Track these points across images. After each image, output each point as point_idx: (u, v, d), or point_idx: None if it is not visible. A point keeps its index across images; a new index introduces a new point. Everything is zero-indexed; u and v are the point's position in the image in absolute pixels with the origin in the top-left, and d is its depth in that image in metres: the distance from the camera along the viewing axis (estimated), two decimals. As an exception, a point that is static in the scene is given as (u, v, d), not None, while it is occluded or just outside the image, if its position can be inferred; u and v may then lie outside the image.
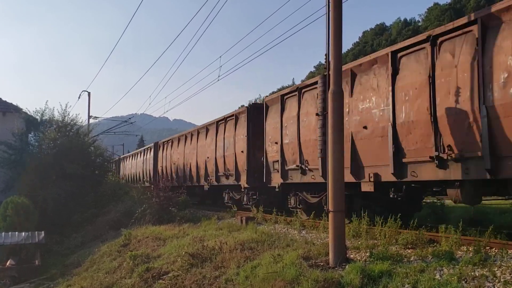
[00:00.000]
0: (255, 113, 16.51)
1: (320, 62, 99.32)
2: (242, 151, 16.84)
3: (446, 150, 8.46)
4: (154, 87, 33.10)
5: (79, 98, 38.25)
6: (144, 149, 34.29)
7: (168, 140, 28.01)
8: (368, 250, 7.93)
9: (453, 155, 8.33)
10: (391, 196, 10.10)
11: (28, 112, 26.55)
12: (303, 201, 13.47)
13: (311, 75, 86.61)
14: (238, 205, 17.52)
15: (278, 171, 14.23)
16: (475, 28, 8.04)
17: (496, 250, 7.11)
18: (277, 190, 14.51)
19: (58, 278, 14.82)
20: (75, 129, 27.27)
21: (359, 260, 7.45)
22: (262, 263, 8.43)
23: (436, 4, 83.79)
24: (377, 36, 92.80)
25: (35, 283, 15.38)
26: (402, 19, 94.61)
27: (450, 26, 8.67)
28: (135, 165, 36.05)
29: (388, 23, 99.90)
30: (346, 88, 10.67)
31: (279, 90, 69.00)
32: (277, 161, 14.27)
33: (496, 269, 6.06)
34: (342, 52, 8.18)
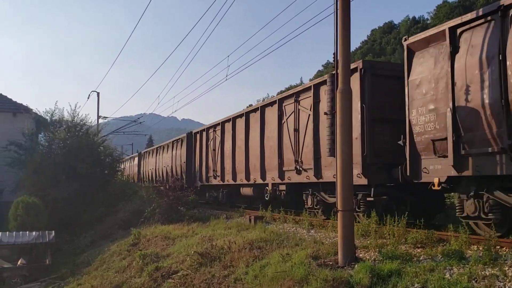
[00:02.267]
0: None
1: (328, 60, 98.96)
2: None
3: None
4: (162, 87, 33.43)
5: (88, 98, 38.52)
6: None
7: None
8: (377, 249, 7.91)
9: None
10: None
11: (38, 113, 26.78)
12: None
13: (319, 73, 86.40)
14: None
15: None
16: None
17: (506, 249, 7.06)
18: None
19: (68, 277, 14.93)
20: (84, 129, 27.40)
21: (368, 260, 7.44)
22: (271, 262, 8.43)
23: (445, 1, 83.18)
24: (386, 34, 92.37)
25: (46, 282, 15.51)
26: (410, 17, 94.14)
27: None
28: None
29: (396, 21, 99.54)
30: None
31: (287, 89, 68.86)
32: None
33: (506, 268, 6.01)
34: (351, 51, 8.16)
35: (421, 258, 7.14)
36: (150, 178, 32.62)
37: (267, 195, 15.44)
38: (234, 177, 18.21)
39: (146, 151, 36.94)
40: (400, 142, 9.47)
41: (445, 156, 8.44)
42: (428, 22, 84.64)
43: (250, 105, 25.51)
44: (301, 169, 13.30)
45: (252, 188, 17.05)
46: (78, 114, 27.27)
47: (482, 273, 5.96)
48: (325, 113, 11.23)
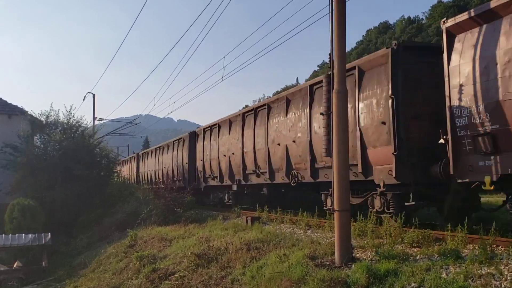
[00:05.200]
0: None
1: (324, 61, 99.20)
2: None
3: None
4: (158, 88, 33.31)
5: (83, 100, 38.35)
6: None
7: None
8: (374, 249, 7.93)
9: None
10: None
11: (33, 115, 26.65)
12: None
13: (315, 74, 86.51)
14: None
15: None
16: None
17: (502, 248, 7.08)
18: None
19: (65, 279, 14.91)
20: (80, 131, 27.35)
21: (365, 259, 7.45)
22: (268, 263, 8.44)
23: (440, 1, 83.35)
24: (381, 35, 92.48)
25: (42, 284, 15.48)
26: (406, 17, 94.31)
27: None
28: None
29: (392, 21, 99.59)
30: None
31: (283, 90, 68.79)
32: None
33: (502, 267, 6.04)
34: (346, 51, 8.18)
35: (417, 258, 7.16)
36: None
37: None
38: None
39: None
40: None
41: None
42: (424, 22, 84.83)
43: (246, 106, 25.63)
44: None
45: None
46: (73, 116, 27.23)
47: (478, 272, 5.98)
48: (321, 114, 11.26)
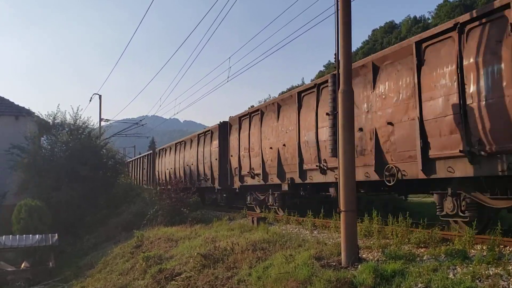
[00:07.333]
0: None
1: (329, 61, 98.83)
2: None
3: None
4: (164, 89, 33.37)
5: (90, 101, 38.48)
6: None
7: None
8: (380, 250, 7.90)
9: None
10: None
11: (40, 116, 26.78)
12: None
13: (321, 74, 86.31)
14: None
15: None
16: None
17: (510, 249, 7.04)
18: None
19: (72, 279, 14.97)
20: (86, 132, 27.45)
21: (372, 260, 7.42)
22: (274, 263, 8.42)
23: (446, 1, 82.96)
24: (387, 34, 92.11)
25: (49, 284, 15.55)
26: (411, 16, 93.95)
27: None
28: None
29: (397, 21, 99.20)
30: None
31: (289, 90, 68.71)
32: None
33: (510, 267, 5.99)
34: (352, 51, 8.15)
35: (424, 258, 7.13)
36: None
37: None
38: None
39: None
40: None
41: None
42: (429, 21, 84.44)
43: (252, 106, 26.25)
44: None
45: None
46: (80, 117, 27.34)
47: (486, 272, 5.94)
48: (327, 114, 11.23)
